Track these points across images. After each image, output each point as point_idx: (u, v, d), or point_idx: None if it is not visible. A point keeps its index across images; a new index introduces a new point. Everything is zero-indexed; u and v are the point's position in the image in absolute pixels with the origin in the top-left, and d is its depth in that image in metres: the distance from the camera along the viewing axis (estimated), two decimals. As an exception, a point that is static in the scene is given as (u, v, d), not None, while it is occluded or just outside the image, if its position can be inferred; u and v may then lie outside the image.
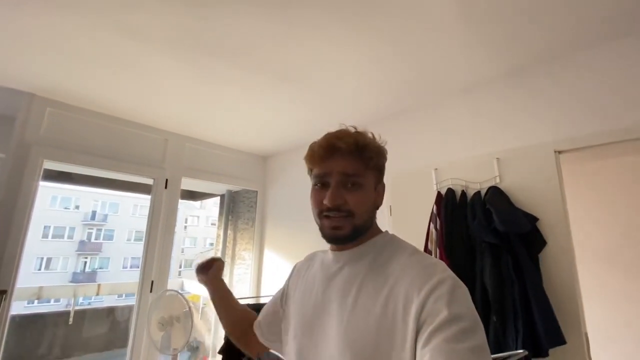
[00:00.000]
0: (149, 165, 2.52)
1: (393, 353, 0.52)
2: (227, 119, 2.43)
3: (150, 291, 2.36)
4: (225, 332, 0.92)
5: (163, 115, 2.38)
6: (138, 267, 2.51)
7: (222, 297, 0.94)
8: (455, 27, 1.39)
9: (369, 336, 0.55)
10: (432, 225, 1.79)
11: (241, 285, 3.20)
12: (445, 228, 1.71)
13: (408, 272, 0.58)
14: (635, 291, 2.22)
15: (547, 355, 1.31)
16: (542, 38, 1.46)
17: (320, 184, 0.67)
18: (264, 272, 3.09)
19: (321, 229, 0.67)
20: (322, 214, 0.65)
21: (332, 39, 1.49)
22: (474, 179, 1.75)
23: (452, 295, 0.52)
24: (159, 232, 2.49)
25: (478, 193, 1.69)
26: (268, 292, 2.84)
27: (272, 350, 0.84)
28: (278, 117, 2.37)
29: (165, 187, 2.57)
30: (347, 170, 0.64)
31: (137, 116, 2.40)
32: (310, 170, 0.71)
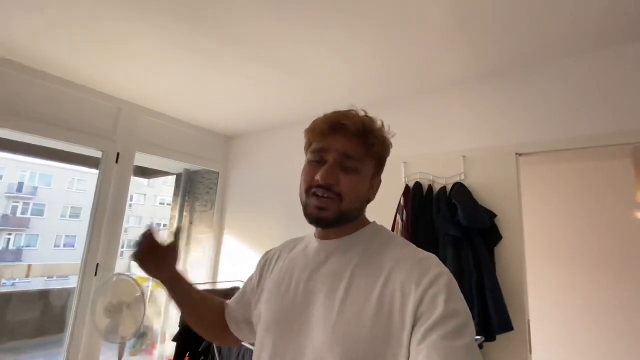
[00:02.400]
0: (98, 136, 2.26)
1: (388, 348, 0.51)
2: (192, 92, 2.24)
3: (95, 274, 2.16)
4: (194, 328, 0.79)
5: (118, 81, 2.13)
6: (74, 247, 2.26)
7: (183, 293, 0.77)
8: (435, 29, 1.41)
9: (362, 330, 0.52)
10: (398, 217, 1.84)
11: (197, 269, 3.07)
12: (412, 220, 1.77)
13: (403, 265, 0.56)
14: (577, 284, 2.52)
15: (495, 340, 1.44)
16: (511, 48, 1.54)
17: (316, 161, 0.62)
18: (222, 257, 2.99)
19: (305, 208, 0.62)
20: (311, 190, 0.61)
21: (314, 24, 1.42)
22: (440, 174, 1.83)
23: (449, 290, 0.51)
24: (108, 211, 2.26)
25: (444, 188, 1.77)
26: (226, 278, 2.75)
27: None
28: (249, 96, 2.24)
29: (117, 162, 2.33)
30: (348, 151, 0.60)
31: (88, 80, 2.12)
32: (309, 145, 0.66)
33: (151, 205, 21.79)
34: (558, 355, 2.46)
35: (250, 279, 0.79)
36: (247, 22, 1.46)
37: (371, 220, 0.69)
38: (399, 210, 1.85)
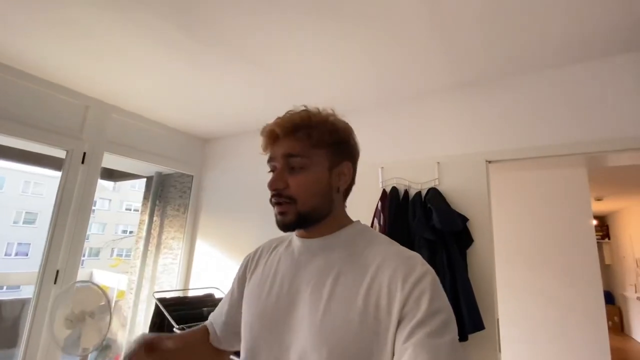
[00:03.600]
0: (62, 134, 2.12)
1: (374, 346, 0.51)
2: (168, 92, 2.17)
3: (55, 282, 2.00)
4: None
5: (87, 77, 2.02)
6: (27, 255, 2.10)
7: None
8: (414, 40, 1.47)
9: (349, 329, 0.52)
10: (376, 220, 1.88)
11: (166, 276, 2.94)
12: (389, 223, 1.80)
13: (389, 263, 0.57)
14: (539, 285, 2.67)
15: (467, 339, 1.49)
16: (483, 62, 1.64)
17: (272, 171, 0.65)
18: (194, 263, 2.88)
19: (275, 216, 0.64)
20: (271, 199, 0.63)
21: (297, 27, 1.43)
22: (416, 179, 1.89)
23: (433, 289, 0.53)
24: (70, 215, 2.12)
25: (419, 193, 1.83)
26: (197, 285, 2.66)
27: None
28: (227, 98, 2.21)
29: (82, 162, 2.20)
30: (288, 151, 0.62)
31: (54, 74, 1.99)
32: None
33: (116, 210, 20.66)
34: (522, 352, 2.58)
35: (231, 293, 0.77)
36: (228, 22, 1.44)
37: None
38: (376, 214, 1.89)
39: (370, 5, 1.29)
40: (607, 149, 1.50)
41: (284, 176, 0.61)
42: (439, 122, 1.94)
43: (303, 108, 0.65)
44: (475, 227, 1.67)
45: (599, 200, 4.56)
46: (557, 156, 1.62)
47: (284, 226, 0.62)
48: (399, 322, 0.51)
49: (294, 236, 0.70)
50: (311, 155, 0.61)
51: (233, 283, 0.78)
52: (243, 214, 2.64)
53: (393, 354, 0.50)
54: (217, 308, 0.80)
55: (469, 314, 1.45)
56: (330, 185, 0.63)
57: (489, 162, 1.74)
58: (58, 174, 2.18)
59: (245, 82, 1.98)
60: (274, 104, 2.22)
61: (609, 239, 6.42)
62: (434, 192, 1.77)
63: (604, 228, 6.48)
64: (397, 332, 0.50)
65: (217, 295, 2.21)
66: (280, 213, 0.61)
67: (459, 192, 1.75)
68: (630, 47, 1.47)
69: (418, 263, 0.56)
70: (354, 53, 1.63)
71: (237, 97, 2.18)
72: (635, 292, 5.27)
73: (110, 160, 2.64)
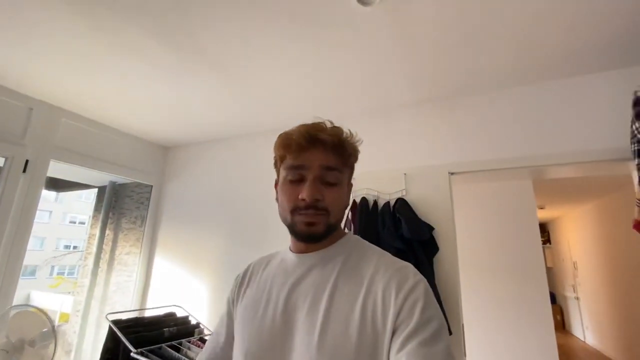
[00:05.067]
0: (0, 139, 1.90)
1: (373, 357, 0.52)
2: (124, 96, 2.04)
3: (-15, 308, 1.75)
4: None
5: (32, 77, 1.84)
6: None
7: None
8: (382, 57, 1.53)
9: (348, 347, 0.52)
10: (347, 230, 1.89)
11: (120, 295, 2.70)
12: (359, 233, 1.82)
13: (383, 274, 0.58)
14: (500, 291, 2.83)
15: (435, 345, 1.53)
16: (446, 80, 1.75)
17: (296, 179, 0.61)
18: (152, 280, 2.69)
19: (292, 226, 0.61)
20: (298, 210, 0.60)
21: (265, 34, 1.42)
22: (385, 190, 1.94)
23: (425, 298, 0.54)
24: (7, 230, 1.88)
25: (388, 203, 1.88)
26: (157, 304, 2.47)
27: None
28: (190, 104, 2.12)
29: (24, 170, 1.98)
30: (330, 164, 0.61)
31: (-10, 72, 1.79)
32: (281, 160, 0.65)
33: (58, 223, 18.77)
34: (485, 356, 2.71)
35: (217, 335, 0.71)
36: (191, 25, 1.40)
37: None
38: (347, 224, 1.90)
39: (337, 26, 1.33)
40: (551, 163, 1.66)
41: (320, 187, 0.60)
42: (405, 135, 2.03)
43: (329, 121, 0.66)
44: (441, 236, 1.75)
45: (541, 208, 5.02)
46: (508, 169, 1.76)
47: (309, 236, 0.61)
48: (394, 332, 0.51)
49: (287, 252, 0.69)
50: (343, 172, 0.64)
51: (220, 321, 0.73)
52: (208, 226, 2.53)
53: None
54: (205, 352, 0.72)
55: (437, 321, 1.50)
56: (347, 201, 0.67)
57: (451, 173, 1.84)
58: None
59: (210, 89, 1.92)
60: (241, 112, 2.17)
61: (550, 243, 7.06)
62: (402, 202, 1.82)
63: (545, 234, 7.12)
64: (392, 342, 0.51)
65: (179, 314, 2.07)
66: (310, 223, 0.59)
67: (425, 202, 1.83)
68: (574, 72, 1.64)
69: (410, 273, 0.58)
70: (321, 66, 1.66)
71: (201, 103, 2.11)
72: (574, 292, 5.82)
73: (57, 169, 2.40)
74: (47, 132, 2.12)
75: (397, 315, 0.52)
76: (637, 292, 3.74)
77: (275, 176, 0.71)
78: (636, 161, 1.07)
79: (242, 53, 1.56)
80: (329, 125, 0.65)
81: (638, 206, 1.06)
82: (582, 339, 5.54)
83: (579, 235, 5.52)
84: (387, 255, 0.64)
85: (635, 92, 1.08)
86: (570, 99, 1.67)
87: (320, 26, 1.36)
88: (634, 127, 1.08)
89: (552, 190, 3.97)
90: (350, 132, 0.68)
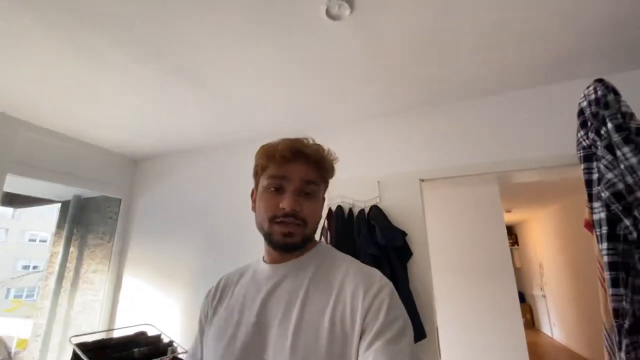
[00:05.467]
0: (-51, 152, 1.77)
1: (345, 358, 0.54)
2: (89, 106, 1.96)
3: None
4: None
5: (-12, 87, 1.74)
6: None
7: None
8: (351, 71, 1.59)
9: (320, 346, 0.54)
10: (322, 239, 1.90)
11: (86, 316, 2.54)
12: (335, 241, 1.84)
13: (351, 279, 0.61)
14: (471, 293, 2.92)
15: (411, 349, 1.56)
16: (414, 92, 1.84)
17: (276, 188, 0.64)
18: (121, 298, 2.56)
19: (269, 235, 0.64)
20: (276, 219, 0.62)
21: (237, 42, 1.42)
22: (359, 197, 1.98)
23: (391, 300, 0.58)
24: (-44, 250, 1.74)
25: (362, 211, 1.91)
26: (126, 323, 2.35)
27: None
28: (160, 115, 2.07)
29: (-23, 186, 1.84)
30: (310, 178, 0.65)
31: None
32: (262, 170, 0.68)
33: (15, 242, 17.42)
34: (459, 355, 2.78)
35: (193, 354, 0.72)
36: (161, 35, 1.38)
37: None
38: (322, 232, 1.91)
39: (309, 39, 1.37)
40: (515, 168, 1.76)
41: (300, 198, 0.63)
42: (378, 143, 2.08)
43: (311, 138, 0.69)
44: (414, 241, 1.80)
45: (508, 212, 5.28)
46: (476, 175, 1.85)
47: (286, 247, 0.63)
48: (362, 333, 0.54)
49: (259, 263, 0.70)
50: (320, 186, 0.68)
51: (195, 341, 0.73)
52: (181, 239, 2.45)
53: None
54: None
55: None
56: (321, 214, 0.70)
57: (422, 180, 1.91)
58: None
59: (180, 100, 1.89)
60: (213, 122, 2.15)
61: (517, 245, 7.41)
62: (376, 210, 1.86)
63: (513, 236, 7.47)
64: (360, 343, 0.54)
65: (151, 332, 1.97)
66: (288, 234, 0.62)
67: (398, 209, 1.88)
68: (537, 81, 1.75)
69: (377, 277, 0.62)
70: (294, 79, 1.69)
71: (168, 114, 2.07)
72: (541, 291, 6.11)
73: (15, 183, 2.26)
74: (4, 144, 1.99)
75: (365, 317, 0.55)
76: (597, 289, 3.99)
77: (252, 185, 0.73)
78: (582, 166, 1.16)
79: (214, 63, 1.56)
80: (311, 141, 0.69)
81: (588, 207, 1.15)
82: (550, 335, 5.81)
83: (543, 236, 5.83)
84: (356, 262, 0.67)
85: (579, 102, 1.18)
86: (531, 108, 1.79)
87: (293, 39, 1.40)
88: (579, 135, 1.18)
89: (518, 194, 4.19)
90: (329, 150, 0.71)
